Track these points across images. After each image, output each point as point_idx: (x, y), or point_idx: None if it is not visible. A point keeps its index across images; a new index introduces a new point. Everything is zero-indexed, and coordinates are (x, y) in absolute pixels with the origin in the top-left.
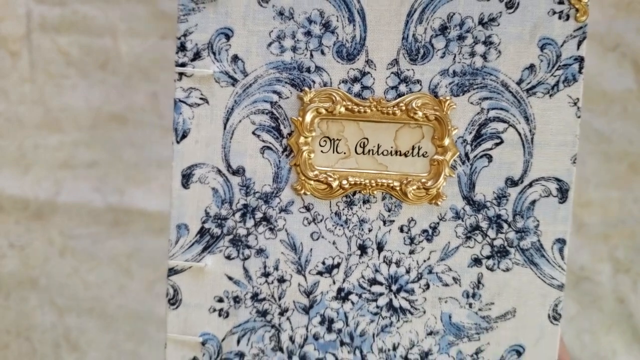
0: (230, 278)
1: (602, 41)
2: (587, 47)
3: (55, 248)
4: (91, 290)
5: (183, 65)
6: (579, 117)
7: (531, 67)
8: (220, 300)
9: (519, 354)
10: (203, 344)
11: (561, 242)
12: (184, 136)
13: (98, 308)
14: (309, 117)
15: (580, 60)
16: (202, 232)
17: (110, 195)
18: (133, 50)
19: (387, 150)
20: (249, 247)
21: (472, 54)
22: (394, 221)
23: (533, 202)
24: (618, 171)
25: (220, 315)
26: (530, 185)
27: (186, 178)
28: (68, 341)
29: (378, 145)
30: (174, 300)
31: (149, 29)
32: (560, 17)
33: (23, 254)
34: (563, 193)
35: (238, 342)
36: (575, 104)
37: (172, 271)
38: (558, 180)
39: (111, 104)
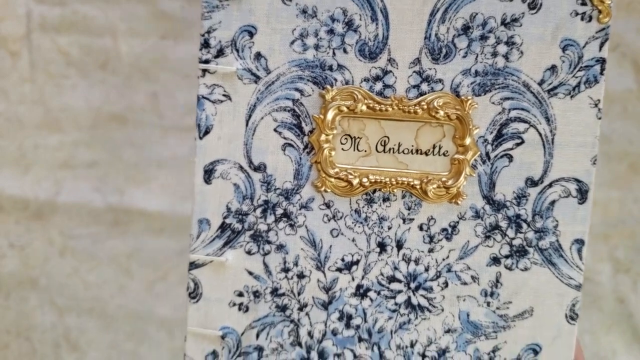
0: (250, 273)
1: None
2: None
3: (55, 248)
4: (91, 290)
5: (207, 62)
6: (599, 118)
7: (553, 68)
8: (240, 294)
9: (536, 352)
10: (223, 337)
11: (580, 242)
12: (206, 132)
13: (98, 308)
14: (330, 115)
15: (602, 61)
16: (223, 227)
17: (110, 195)
18: (133, 50)
19: (408, 149)
20: (269, 242)
21: (494, 54)
22: (413, 219)
23: (552, 203)
24: (618, 171)
25: (240, 309)
26: (550, 185)
27: (208, 174)
28: (68, 341)
29: (399, 143)
30: (194, 294)
31: (149, 29)
32: (582, 19)
33: (23, 254)
34: (582, 194)
35: (257, 336)
36: (596, 105)
37: (193, 265)
38: (578, 181)
39: (111, 104)
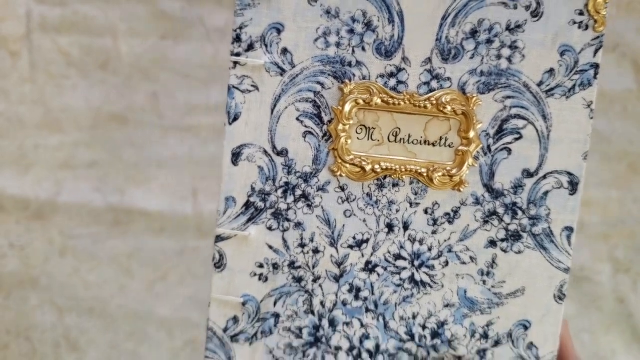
0: (270, 247)
1: None
2: None
3: (55, 248)
4: (91, 290)
5: (238, 55)
6: (591, 118)
7: (551, 71)
8: (261, 266)
9: (526, 328)
10: (243, 304)
11: (569, 229)
12: (235, 119)
13: (98, 308)
14: (348, 107)
15: (595, 66)
16: (247, 205)
17: (111, 195)
18: (133, 50)
19: (417, 140)
20: (288, 220)
21: (499, 57)
22: (419, 204)
23: (546, 193)
24: (618, 171)
25: (260, 279)
26: (544, 177)
27: (236, 156)
28: (68, 341)
29: (409, 135)
30: (219, 264)
31: (149, 29)
32: (580, 27)
33: (23, 253)
34: (573, 186)
35: (275, 304)
36: (588, 106)
37: (219, 238)
38: (569, 174)
39: (111, 104)
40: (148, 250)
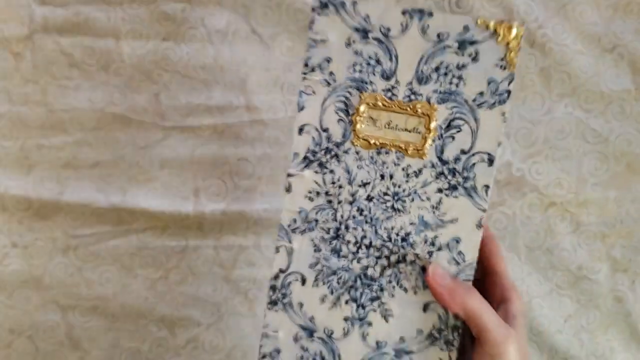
0: (315, 182)
1: (600, 42)
2: (586, 47)
3: (58, 247)
4: (94, 289)
5: (305, 73)
6: (504, 122)
7: (481, 93)
8: (310, 192)
9: (457, 242)
10: (299, 212)
11: (486, 187)
12: (302, 109)
13: (101, 307)
14: (362, 107)
15: (508, 92)
16: (304, 158)
17: (113, 195)
18: (135, 51)
19: (401, 128)
20: (326, 168)
21: (451, 83)
22: (399, 165)
23: (474, 164)
24: (616, 171)
25: (310, 199)
26: (473, 155)
27: (300, 130)
28: (71, 340)
29: (397, 125)
30: (289, 189)
31: (151, 30)
32: (500, 68)
33: (26, 253)
34: (491, 161)
35: (316, 214)
36: (503, 114)
37: (289, 175)
38: (489, 154)
39: (114, 105)
40: (150, 249)
